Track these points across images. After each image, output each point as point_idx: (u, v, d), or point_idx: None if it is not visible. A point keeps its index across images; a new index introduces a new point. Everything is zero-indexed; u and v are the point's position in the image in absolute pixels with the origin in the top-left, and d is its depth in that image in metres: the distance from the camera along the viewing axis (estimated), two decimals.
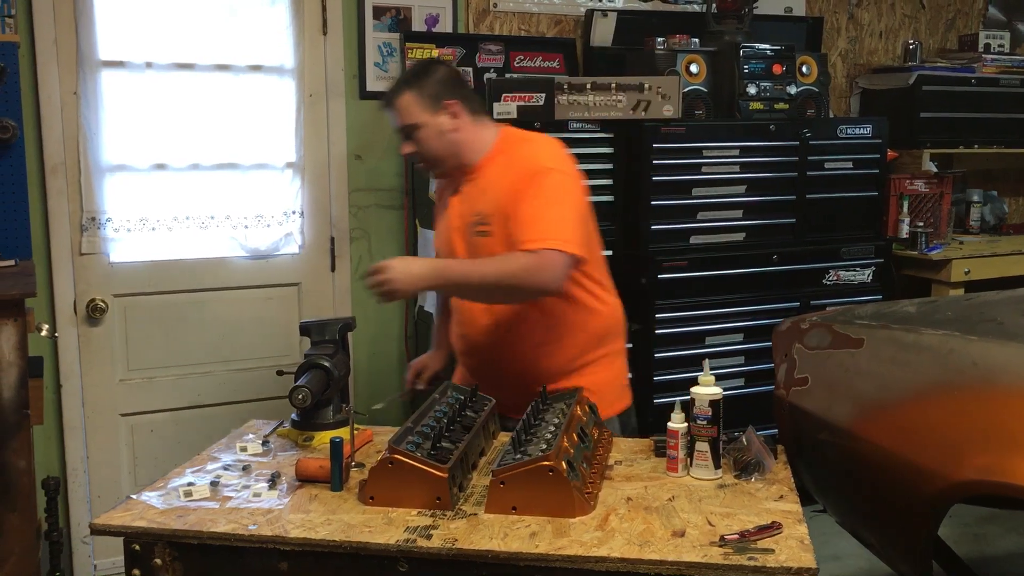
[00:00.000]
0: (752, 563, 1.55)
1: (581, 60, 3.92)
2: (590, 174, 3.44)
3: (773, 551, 1.59)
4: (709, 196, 3.59)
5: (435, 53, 3.63)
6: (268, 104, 3.47)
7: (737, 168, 3.63)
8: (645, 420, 3.42)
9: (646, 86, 3.48)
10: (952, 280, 3.97)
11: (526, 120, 3.37)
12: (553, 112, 3.40)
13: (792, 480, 1.94)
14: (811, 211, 3.75)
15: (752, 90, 3.72)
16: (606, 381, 2.35)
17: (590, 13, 3.89)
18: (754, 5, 3.90)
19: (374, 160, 3.67)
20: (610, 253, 3.49)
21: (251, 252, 3.50)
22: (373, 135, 3.63)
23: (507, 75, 3.71)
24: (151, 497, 1.85)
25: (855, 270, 3.78)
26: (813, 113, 3.86)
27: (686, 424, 1.94)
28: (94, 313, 3.30)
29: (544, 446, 1.80)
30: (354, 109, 3.60)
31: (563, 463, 1.75)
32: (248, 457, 2.09)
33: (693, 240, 3.59)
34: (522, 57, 3.80)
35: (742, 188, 3.65)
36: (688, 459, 1.95)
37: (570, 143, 3.38)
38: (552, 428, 1.91)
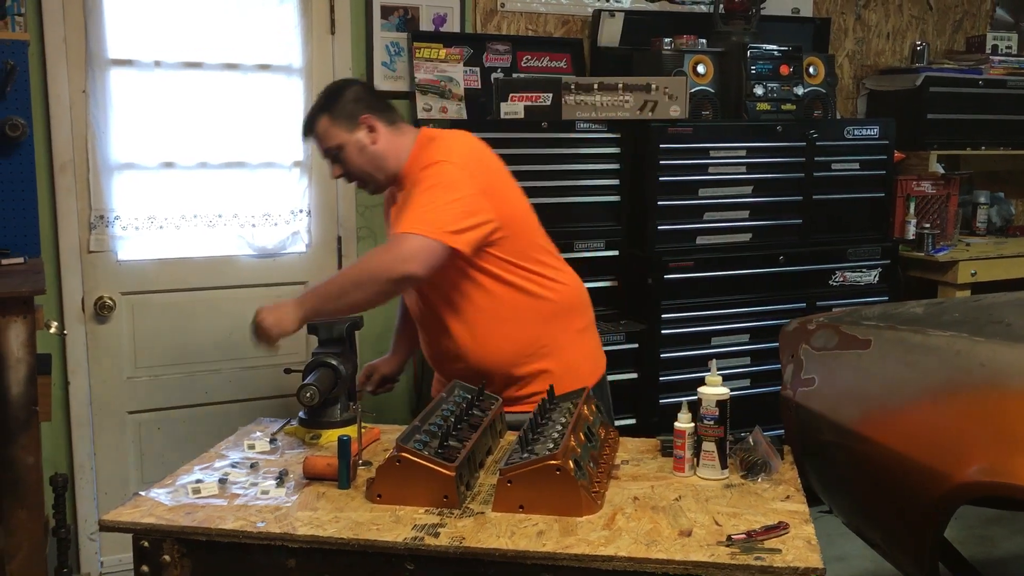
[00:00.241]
0: (759, 563, 1.55)
1: (588, 60, 3.93)
2: (596, 174, 3.50)
3: (780, 551, 1.59)
4: (716, 197, 3.59)
5: (443, 53, 3.64)
6: (276, 103, 3.47)
7: (744, 169, 3.63)
8: (651, 420, 3.45)
9: (653, 86, 3.49)
10: (959, 282, 3.96)
11: (533, 120, 3.38)
12: (560, 112, 3.41)
13: (799, 480, 1.95)
14: (818, 212, 3.75)
15: (759, 91, 3.72)
16: (578, 360, 2.39)
17: (597, 13, 3.89)
18: (761, 6, 3.90)
19: None
20: (616, 253, 3.53)
21: (258, 251, 3.51)
22: None
23: (514, 75, 3.71)
24: (160, 494, 1.86)
25: (862, 271, 3.77)
26: (820, 114, 3.86)
27: (693, 424, 1.95)
28: (102, 311, 3.31)
29: (551, 445, 1.81)
30: None
31: (570, 462, 1.76)
32: (256, 455, 2.10)
33: (700, 240, 3.59)
34: (529, 57, 3.81)
35: (749, 189, 3.65)
36: (695, 459, 1.95)
37: (577, 143, 3.44)
38: (559, 427, 1.92)
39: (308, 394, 2.08)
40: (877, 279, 3.80)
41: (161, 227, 3.36)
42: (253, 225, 3.49)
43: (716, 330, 3.57)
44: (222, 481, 1.91)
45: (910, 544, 2.04)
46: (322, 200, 3.59)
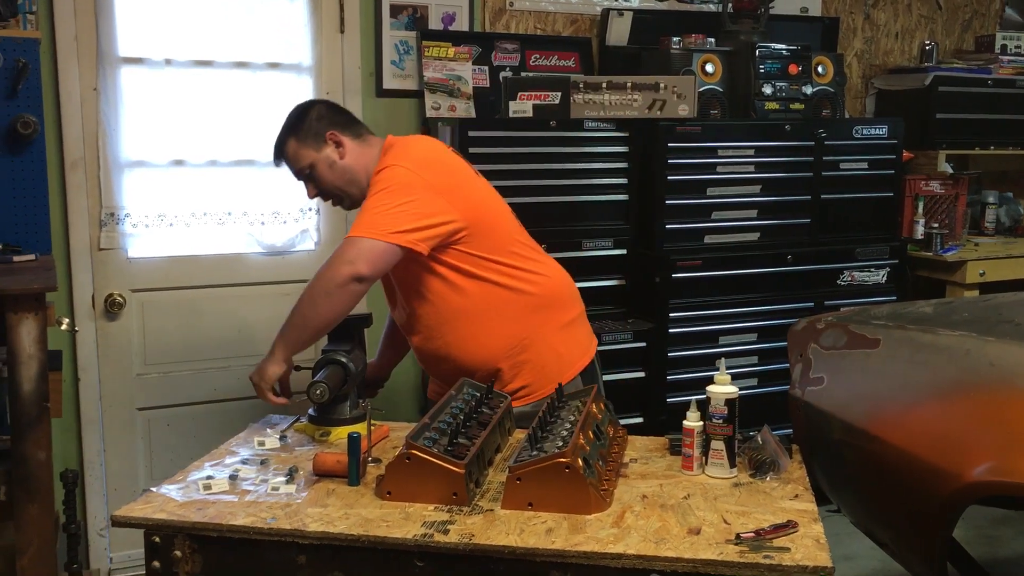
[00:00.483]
0: (768, 561, 1.56)
1: (597, 59, 3.93)
2: (605, 173, 3.50)
3: (789, 550, 1.59)
4: (724, 196, 3.59)
5: (451, 52, 3.64)
6: (286, 101, 3.45)
7: (752, 168, 3.63)
8: (658, 419, 3.45)
9: (662, 85, 3.49)
10: (967, 282, 3.96)
11: (542, 119, 3.38)
12: (568, 111, 3.41)
13: (807, 479, 1.95)
14: (826, 211, 3.75)
15: (768, 90, 3.72)
16: (568, 349, 2.40)
17: (606, 12, 3.89)
18: (770, 5, 3.89)
19: None
20: (624, 252, 3.53)
21: (267, 248, 3.52)
22: (389, 133, 3.63)
23: (523, 74, 3.72)
24: (171, 490, 1.87)
25: (870, 271, 3.77)
26: (829, 113, 3.85)
27: (702, 423, 1.95)
28: (112, 308, 3.32)
29: (560, 443, 1.81)
30: (371, 107, 3.62)
31: (579, 460, 1.76)
32: (266, 451, 2.11)
33: (707, 240, 3.59)
34: (538, 56, 3.81)
35: (757, 188, 3.65)
36: (703, 457, 1.96)
37: (585, 142, 3.45)
38: (568, 425, 1.92)
39: (318, 391, 2.09)
40: (885, 279, 3.79)
41: (171, 225, 3.37)
42: (262, 223, 3.50)
43: (724, 329, 3.57)
44: (232, 477, 1.92)
45: (918, 543, 2.04)
46: None
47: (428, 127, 3.58)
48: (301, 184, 2.45)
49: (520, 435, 2.14)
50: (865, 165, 3.81)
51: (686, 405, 1.98)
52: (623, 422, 2.31)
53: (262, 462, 2.03)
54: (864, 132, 3.79)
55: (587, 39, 3.92)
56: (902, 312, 2.51)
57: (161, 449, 3.44)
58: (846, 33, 4.45)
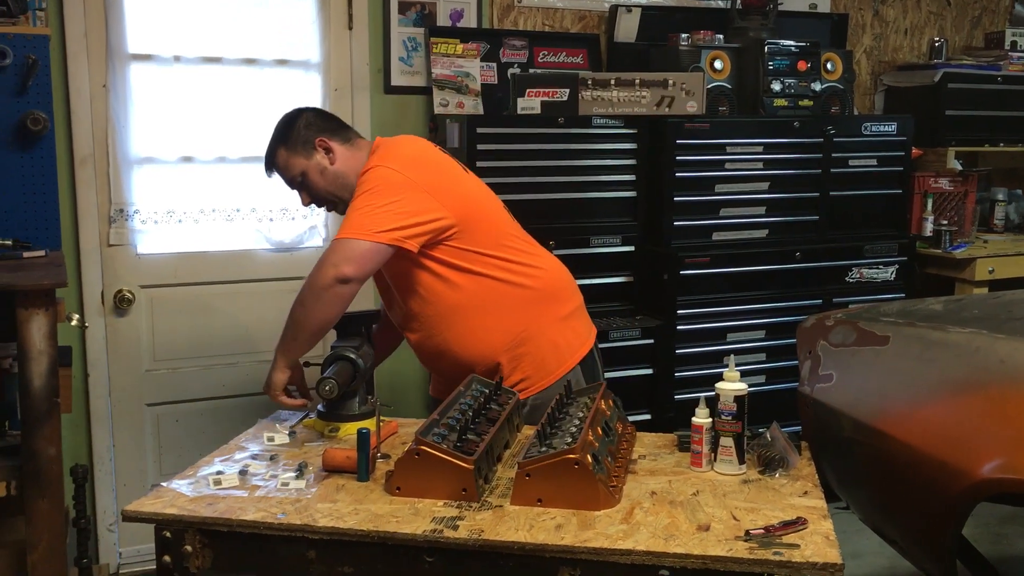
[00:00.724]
0: (777, 558, 1.56)
1: (605, 56, 3.92)
2: (613, 170, 3.50)
3: (798, 546, 1.59)
4: (732, 193, 3.59)
5: (459, 48, 3.64)
6: (294, 98, 3.48)
7: (761, 165, 3.62)
8: (666, 415, 3.45)
9: (670, 82, 3.49)
10: (976, 279, 3.95)
11: (550, 115, 3.38)
12: (577, 108, 3.41)
13: (816, 476, 1.95)
14: (835, 208, 3.74)
15: (776, 87, 3.71)
16: (567, 340, 2.40)
17: (614, 9, 3.89)
18: (779, 1, 3.89)
19: None
20: (632, 249, 3.53)
21: (276, 245, 3.53)
22: (397, 129, 3.65)
23: (531, 70, 3.72)
24: (181, 485, 1.88)
25: (878, 268, 3.76)
26: (837, 110, 3.85)
27: (711, 419, 1.95)
28: (121, 304, 3.34)
29: (569, 439, 1.81)
30: (379, 103, 3.62)
31: (588, 456, 1.76)
32: (275, 447, 2.12)
33: (716, 236, 3.59)
34: (546, 52, 3.81)
35: (765, 185, 3.64)
36: (712, 454, 1.96)
37: (593, 139, 3.44)
38: (577, 422, 1.93)
39: (327, 387, 2.10)
40: (894, 276, 3.79)
41: (180, 221, 3.38)
42: (271, 219, 3.51)
43: (732, 326, 3.57)
44: (242, 473, 1.93)
45: (928, 541, 2.04)
46: None
47: (436, 124, 3.58)
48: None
49: (529, 431, 2.14)
50: (874, 162, 3.80)
51: (694, 402, 1.98)
52: (631, 419, 2.30)
53: (272, 458, 2.04)
54: (873, 129, 3.79)
55: (595, 36, 3.92)
56: (911, 309, 2.50)
57: (170, 445, 3.45)
58: (855, 29, 4.43)
